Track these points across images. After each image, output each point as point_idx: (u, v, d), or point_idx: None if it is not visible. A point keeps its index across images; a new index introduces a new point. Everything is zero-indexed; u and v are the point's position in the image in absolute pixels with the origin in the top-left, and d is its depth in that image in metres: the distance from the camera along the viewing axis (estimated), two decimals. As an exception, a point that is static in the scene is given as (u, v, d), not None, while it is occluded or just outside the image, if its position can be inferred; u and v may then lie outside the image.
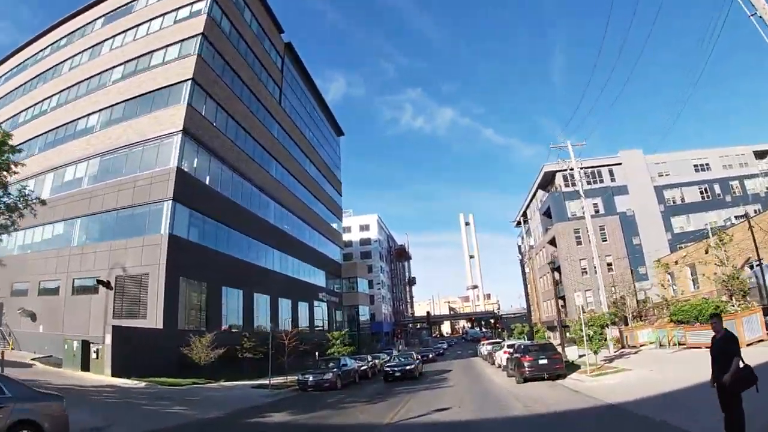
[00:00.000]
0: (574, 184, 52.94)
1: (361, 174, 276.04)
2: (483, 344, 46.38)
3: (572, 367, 21.96)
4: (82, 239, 33.95)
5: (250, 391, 23.35)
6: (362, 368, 29.89)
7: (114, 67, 38.35)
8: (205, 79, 34.85)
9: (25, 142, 42.11)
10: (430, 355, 45.79)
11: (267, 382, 25.28)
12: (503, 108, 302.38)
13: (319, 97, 61.03)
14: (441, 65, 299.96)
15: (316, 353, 34.04)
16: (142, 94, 35.06)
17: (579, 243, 49.42)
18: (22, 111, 44.89)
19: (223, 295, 34.17)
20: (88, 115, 37.79)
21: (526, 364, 19.03)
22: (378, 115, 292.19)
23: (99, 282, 29.40)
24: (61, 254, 34.19)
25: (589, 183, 52.33)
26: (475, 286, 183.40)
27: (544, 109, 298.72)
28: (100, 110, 37.07)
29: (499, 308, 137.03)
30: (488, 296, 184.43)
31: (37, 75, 45.57)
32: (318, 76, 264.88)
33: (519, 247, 78.32)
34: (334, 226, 63.61)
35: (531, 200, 63.46)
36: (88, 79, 39.78)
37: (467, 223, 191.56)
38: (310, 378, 23.40)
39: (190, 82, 33.44)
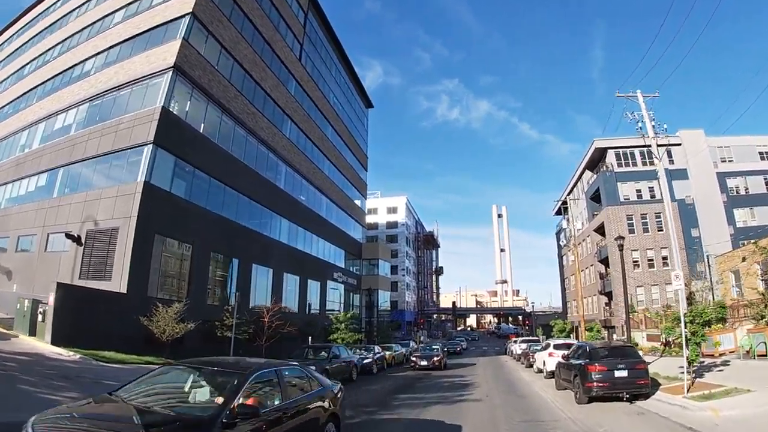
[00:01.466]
0: (628, 164, 45.80)
1: (391, 164, 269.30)
2: (515, 342, 39.54)
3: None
4: (62, 190, 28.95)
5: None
6: (365, 361, 23.59)
7: (116, 10, 33.08)
8: (207, 16, 29.01)
9: (26, 93, 37.87)
10: (435, 359, 27.39)
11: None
12: (540, 103, 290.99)
13: (347, 62, 54.16)
14: (479, 57, 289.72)
15: (309, 337, 27.70)
16: (138, 34, 29.63)
17: (632, 231, 41.92)
18: (28, 63, 40.83)
19: (212, 263, 28.31)
20: (85, 60, 32.89)
21: (595, 376, 12.29)
22: (413, 106, 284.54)
23: (68, 236, 24.79)
24: (40, 207, 29.52)
25: (644, 164, 44.87)
26: (504, 281, 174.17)
27: (580, 107, 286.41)
28: (96, 54, 32.02)
29: (530, 306, 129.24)
30: (517, 292, 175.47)
31: (46, 27, 41.26)
32: (355, 63, 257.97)
33: (558, 236, 70.80)
34: (357, 203, 57.19)
35: (576, 183, 55.31)
36: (90, 25, 34.78)
37: (500, 215, 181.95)
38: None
39: (188, 17, 27.70)
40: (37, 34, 42.03)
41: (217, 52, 30.10)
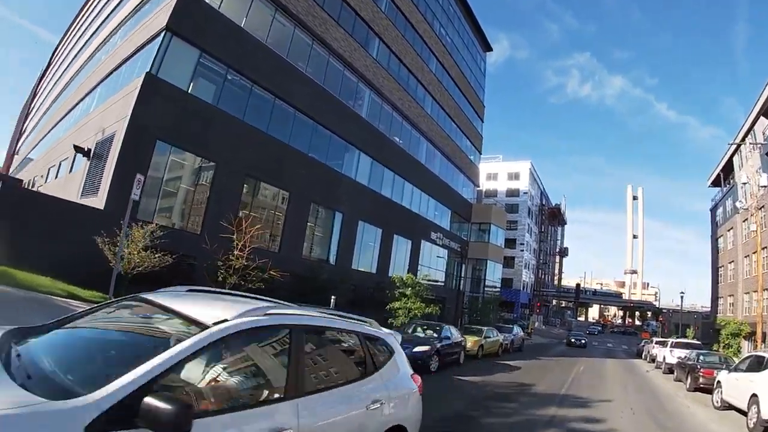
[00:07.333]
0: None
1: (516, 141, 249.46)
2: (657, 344, 29.13)
3: None
4: (96, 107, 23.41)
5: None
6: (416, 350, 14.00)
7: None
8: None
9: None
10: None
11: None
12: (678, 82, 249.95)
13: (461, -4, 43.65)
14: (612, 29, 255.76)
15: (333, 298, 18.71)
16: None
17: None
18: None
19: (246, 190, 20.98)
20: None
21: None
22: (541, 81, 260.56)
23: (76, 149, 19.89)
24: (75, 129, 25.16)
25: None
26: (634, 271, 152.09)
27: (722, 88, 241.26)
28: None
29: (657, 300, 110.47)
30: (646, 285, 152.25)
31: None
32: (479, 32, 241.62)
33: (713, 212, 55.31)
34: (471, 157, 47.14)
35: (745, 136, 39.60)
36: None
37: (635, 198, 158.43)
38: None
39: None
40: None
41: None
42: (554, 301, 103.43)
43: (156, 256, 13.11)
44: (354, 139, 27.58)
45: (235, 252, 14.80)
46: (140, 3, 22.95)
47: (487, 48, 51.49)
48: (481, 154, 50.04)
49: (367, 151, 28.85)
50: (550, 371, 19.40)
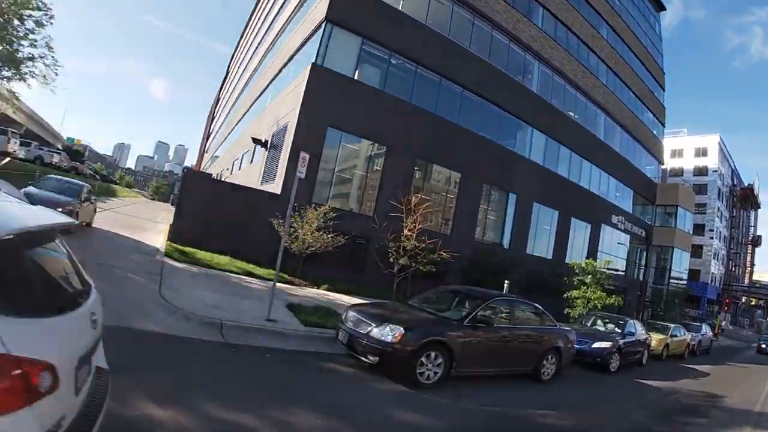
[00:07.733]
0: None
1: (701, 113, 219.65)
2: None
3: None
4: (271, 101, 24.98)
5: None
6: (595, 345, 12.39)
7: None
8: None
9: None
10: None
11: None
12: None
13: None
14: None
15: (506, 282, 16.03)
16: None
17: None
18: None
19: (417, 173, 20.14)
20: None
21: None
22: (721, 43, 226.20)
23: (254, 140, 21.70)
24: (255, 122, 27.05)
25: None
26: None
27: None
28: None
29: None
30: None
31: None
32: None
33: None
34: (654, 131, 40.54)
35: None
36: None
37: None
38: (363, 324, 7.14)
39: None
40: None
41: None
42: (744, 298, 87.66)
43: (329, 236, 13.12)
44: (525, 115, 25.08)
45: (405, 232, 13.88)
46: (300, 1, 23.48)
47: (660, 7, 44.42)
48: (664, 127, 43.10)
49: (540, 128, 26.10)
50: (741, 381, 16.40)
